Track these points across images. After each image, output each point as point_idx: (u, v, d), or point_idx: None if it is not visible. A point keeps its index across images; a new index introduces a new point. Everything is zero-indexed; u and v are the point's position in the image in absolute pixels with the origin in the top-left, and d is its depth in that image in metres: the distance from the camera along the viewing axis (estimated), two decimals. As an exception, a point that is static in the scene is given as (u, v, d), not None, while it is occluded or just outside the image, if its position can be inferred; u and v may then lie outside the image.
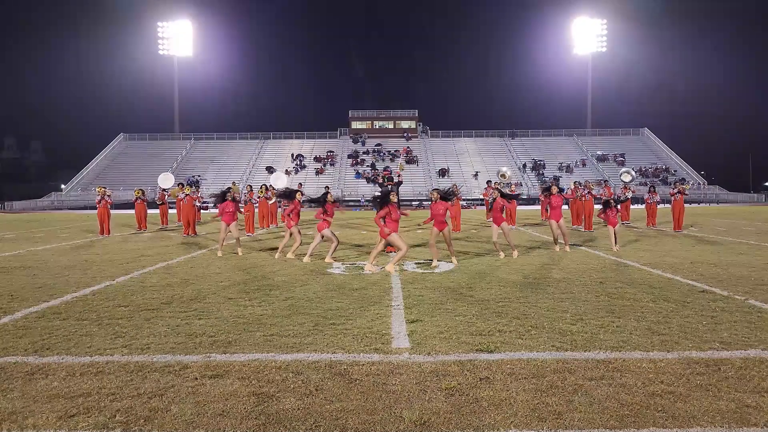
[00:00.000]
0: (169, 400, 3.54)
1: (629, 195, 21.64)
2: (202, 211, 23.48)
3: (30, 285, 7.97)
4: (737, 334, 4.96)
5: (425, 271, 9.01)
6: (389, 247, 11.84)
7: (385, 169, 58.19)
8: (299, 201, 11.21)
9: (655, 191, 19.75)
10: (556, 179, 57.06)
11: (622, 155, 63.69)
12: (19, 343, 4.88)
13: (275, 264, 10.08)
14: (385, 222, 8.90)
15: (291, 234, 11.13)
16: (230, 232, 11.59)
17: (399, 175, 16.25)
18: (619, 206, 13.14)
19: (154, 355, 4.48)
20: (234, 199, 11.83)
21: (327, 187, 11.40)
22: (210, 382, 3.85)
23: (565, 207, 16.22)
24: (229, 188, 12.28)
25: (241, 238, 12.95)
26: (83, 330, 5.32)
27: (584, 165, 62.42)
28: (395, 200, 9.00)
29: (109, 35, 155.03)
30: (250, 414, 3.33)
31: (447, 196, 10.08)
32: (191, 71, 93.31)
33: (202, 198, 22.57)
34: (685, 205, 18.34)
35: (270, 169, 57.59)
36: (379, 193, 9.31)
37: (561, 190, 12.12)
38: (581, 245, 13.02)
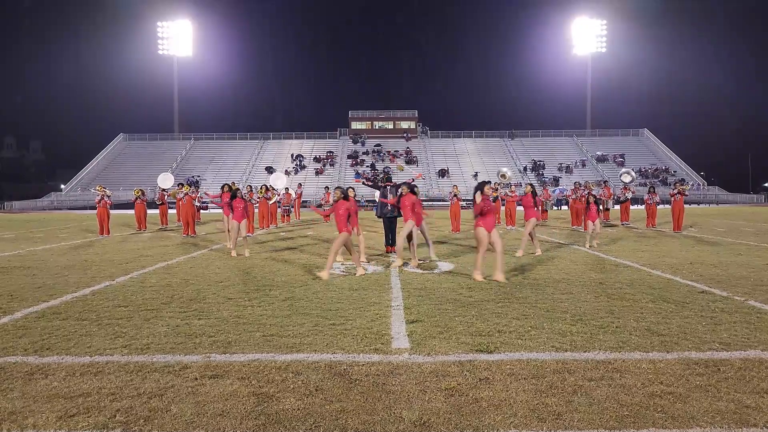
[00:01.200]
0: (169, 400, 3.54)
1: (629, 195, 21.68)
2: (201, 211, 23.43)
3: (30, 285, 7.97)
4: (737, 334, 4.96)
5: (425, 271, 9.01)
6: (389, 247, 11.84)
7: (384, 169, 58.18)
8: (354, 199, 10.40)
9: (654, 192, 19.75)
10: (556, 180, 57.10)
11: (622, 156, 63.72)
12: (18, 343, 4.88)
13: (275, 264, 10.08)
14: (481, 216, 7.94)
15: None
16: (234, 230, 11.54)
17: (420, 176, 15.93)
18: (603, 206, 13.19)
19: (154, 355, 4.49)
20: (243, 198, 11.86)
21: (412, 186, 10.40)
22: (210, 383, 3.85)
23: (565, 207, 16.22)
24: (237, 188, 12.31)
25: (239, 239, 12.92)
26: (83, 330, 5.32)
27: (584, 165, 62.43)
28: (490, 192, 8.13)
29: (108, 35, 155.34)
30: (250, 414, 3.33)
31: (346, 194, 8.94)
32: (191, 71, 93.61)
33: (202, 198, 22.56)
34: (685, 206, 18.35)
35: (270, 170, 57.59)
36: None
37: (535, 194, 11.65)
38: (581, 246, 13.01)
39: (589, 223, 12.58)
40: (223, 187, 13.89)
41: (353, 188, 10.41)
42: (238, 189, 12.12)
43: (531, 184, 12.35)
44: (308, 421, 3.22)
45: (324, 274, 8.30)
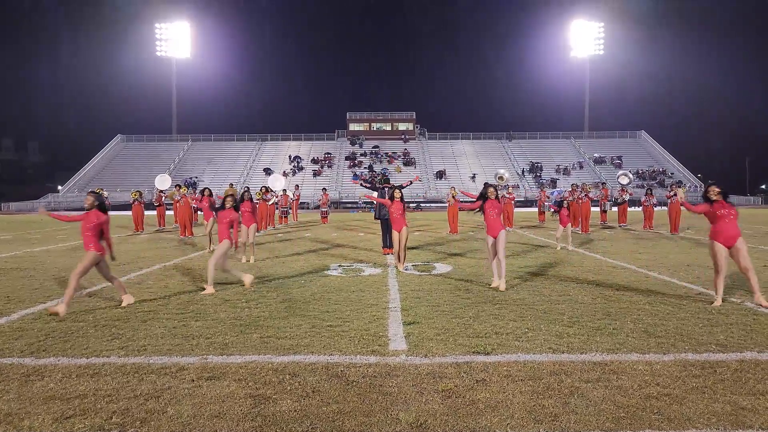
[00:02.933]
0: (166, 402, 3.54)
1: (626, 197, 21.73)
2: (199, 212, 23.36)
3: (27, 286, 7.95)
4: (733, 336, 4.98)
5: (422, 273, 9.02)
6: (386, 249, 11.85)
7: (382, 170, 58.25)
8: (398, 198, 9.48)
9: (651, 194, 19.80)
10: (554, 182, 57.17)
11: (620, 158, 63.81)
12: (15, 345, 4.87)
13: (273, 266, 10.07)
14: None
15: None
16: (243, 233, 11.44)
17: (417, 179, 15.35)
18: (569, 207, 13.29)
19: (151, 357, 4.48)
20: (251, 200, 11.75)
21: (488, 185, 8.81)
22: (207, 384, 3.85)
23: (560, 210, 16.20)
24: (248, 188, 12.28)
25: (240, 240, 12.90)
26: (80, 332, 5.31)
27: (581, 167, 62.50)
28: (714, 195, 6.75)
29: (107, 36, 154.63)
30: (247, 416, 3.33)
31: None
32: (189, 73, 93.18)
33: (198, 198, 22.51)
34: (682, 208, 18.39)
35: (267, 171, 57.55)
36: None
37: (496, 197, 10.72)
38: (578, 248, 13.04)
39: (560, 228, 12.76)
40: (203, 191, 13.74)
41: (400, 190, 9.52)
42: (246, 191, 12.02)
43: (492, 184, 11.09)
44: (305, 423, 3.22)
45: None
